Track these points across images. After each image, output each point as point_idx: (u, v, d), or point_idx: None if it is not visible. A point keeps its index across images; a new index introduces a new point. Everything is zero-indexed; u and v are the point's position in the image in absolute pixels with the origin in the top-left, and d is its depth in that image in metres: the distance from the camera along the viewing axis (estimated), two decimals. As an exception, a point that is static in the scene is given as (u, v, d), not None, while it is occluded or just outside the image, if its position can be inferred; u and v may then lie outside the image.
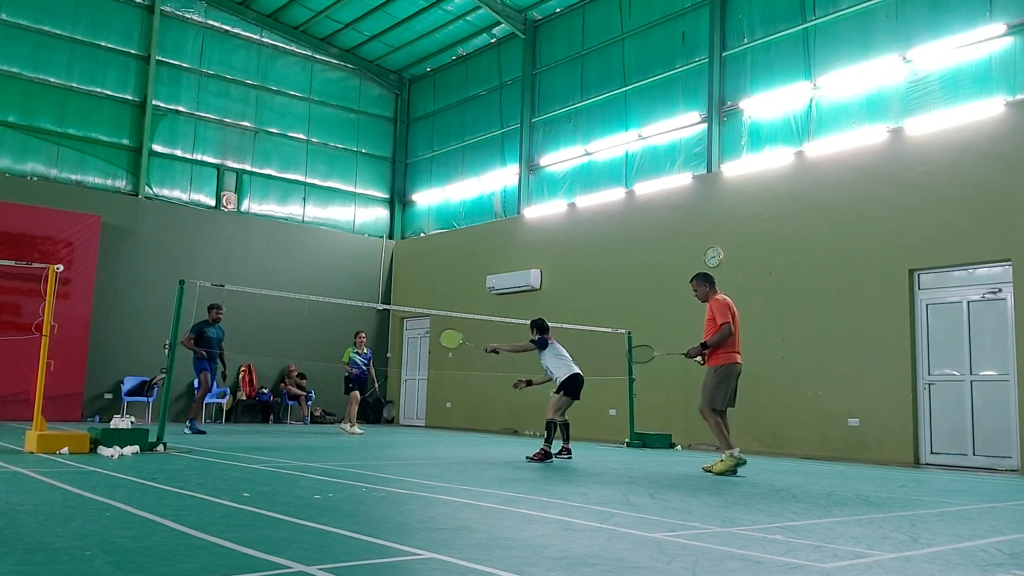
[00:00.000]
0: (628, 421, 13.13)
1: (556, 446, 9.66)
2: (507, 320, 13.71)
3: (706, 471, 8.29)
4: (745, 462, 8.29)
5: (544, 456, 9.18)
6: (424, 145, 21.32)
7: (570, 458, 9.69)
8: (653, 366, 13.53)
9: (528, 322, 10.34)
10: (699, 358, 8.54)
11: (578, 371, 9.66)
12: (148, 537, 3.82)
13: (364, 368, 14.41)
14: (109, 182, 17.45)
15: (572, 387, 9.57)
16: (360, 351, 14.44)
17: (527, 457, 9.32)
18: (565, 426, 9.88)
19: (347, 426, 14.17)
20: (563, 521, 4.72)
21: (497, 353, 9.98)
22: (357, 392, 14.33)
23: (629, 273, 15.23)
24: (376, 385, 15.91)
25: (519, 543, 3.95)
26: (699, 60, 14.97)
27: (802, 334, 12.58)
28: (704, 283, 8.72)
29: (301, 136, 20.23)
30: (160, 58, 18.14)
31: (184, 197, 18.42)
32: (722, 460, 8.19)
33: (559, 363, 9.66)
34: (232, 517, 4.50)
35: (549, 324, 10.27)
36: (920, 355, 11.38)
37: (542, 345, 9.73)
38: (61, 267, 9.29)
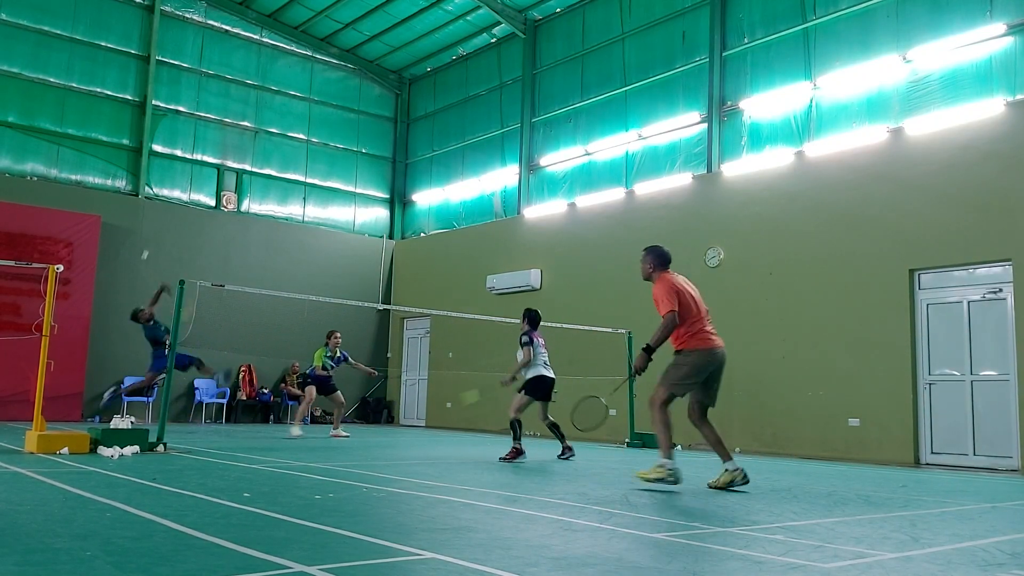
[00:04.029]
0: (628, 421, 13.12)
1: (556, 447, 9.66)
2: (507, 320, 13.70)
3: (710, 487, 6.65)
4: (678, 481, 6.34)
5: (516, 454, 9.17)
6: (424, 145, 21.32)
7: (572, 456, 9.72)
8: (653, 365, 13.52)
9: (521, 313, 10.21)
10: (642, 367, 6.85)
11: (546, 373, 9.56)
12: (148, 537, 3.82)
13: (332, 369, 13.36)
14: (109, 182, 17.45)
15: (536, 388, 9.50)
16: (333, 353, 13.43)
17: (500, 458, 9.26)
18: (554, 426, 9.86)
19: (294, 427, 13.09)
20: (563, 521, 4.71)
21: (515, 379, 9.74)
22: (314, 389, 13.32)
23: (629, 273, 15.08)
24: (376, 374, 15.57)
25: (519, 543, 3.95)
26: (699, 60, 14.96)
27: (802, 334, 12.57)
28: (649, 258, 6.88)
29: (301, 136, 20.23)
30: (160, 58, 18.14)
31: (184, 197, 18.42)
32: (657, 467, 6.39)
33: (533, 363, 9.53)
34: (232, 517, 4.50)
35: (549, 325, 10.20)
36: (920, 355, 11.37)
37: (529, 343, 9.63)
38: (61, 267, 9.30)
